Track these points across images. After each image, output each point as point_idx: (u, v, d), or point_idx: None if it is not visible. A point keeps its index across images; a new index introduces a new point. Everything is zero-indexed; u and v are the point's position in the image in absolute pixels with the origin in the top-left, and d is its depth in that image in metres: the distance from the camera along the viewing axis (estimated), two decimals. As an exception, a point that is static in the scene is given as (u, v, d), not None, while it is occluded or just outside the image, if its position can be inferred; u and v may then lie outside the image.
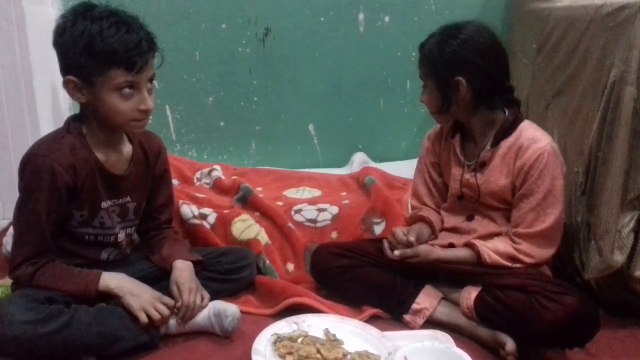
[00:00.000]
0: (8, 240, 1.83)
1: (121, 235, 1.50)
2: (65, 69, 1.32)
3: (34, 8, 2.16)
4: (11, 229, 1.83)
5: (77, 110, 2.42)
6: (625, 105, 1.43)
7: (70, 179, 1.33)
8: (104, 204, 1.43)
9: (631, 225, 1.48)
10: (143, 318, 1.34)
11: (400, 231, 1.54)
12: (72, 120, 1.41)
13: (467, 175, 1.55)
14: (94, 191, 1.40)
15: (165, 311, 1.38)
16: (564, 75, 1.74)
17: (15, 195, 2.21)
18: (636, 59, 1.41)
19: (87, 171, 1.37)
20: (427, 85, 1.50)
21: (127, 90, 1.30)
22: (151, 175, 1.54)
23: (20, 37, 2.13)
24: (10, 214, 2.20)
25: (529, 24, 2.08)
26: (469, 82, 1.43)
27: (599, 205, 1.50)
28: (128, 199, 1.48)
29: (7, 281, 1.59)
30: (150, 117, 1.39)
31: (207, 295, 1.47)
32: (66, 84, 1.31)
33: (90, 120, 1.39)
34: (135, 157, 1.47)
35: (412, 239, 1.50)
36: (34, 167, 1.31)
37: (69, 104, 2.37)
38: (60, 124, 2.32)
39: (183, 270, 1.48)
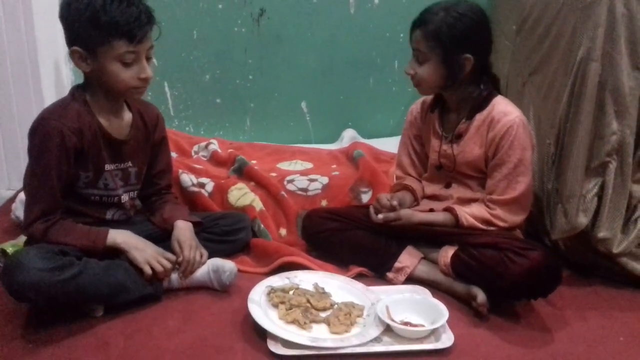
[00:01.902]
0: (17, 206, 1.93)
1: (124, 197, 1.60)
2: (70, 40, 1.41)
3: (39, -14, 2.25)
4: (19, 196, 1.94)
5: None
6: (591, 80, 1.55)
7: (77, 141, 1.44)
8: (107, 167, 1.53)
9: (595, 190, 1.60)
10: (147, 270, 1.46)
11: (384, 197, 1.65)
12: (77, 88, 1.51)
13: (444, 147, 1.66)
14: (98, 154, 1.50)
15: (168, 264, 1.50)
16: (539, 54, 1.85)
17: (20, 166, 2.33)
18: (601, 37, 1.53)
19: (91, 135, 1.47)
20: (430, 59, 1.54)
21: (127, 60, 1.40)
22: (150, 141, 1.64)
23: (25, 13, 2.20)
24: (16, 184, 2.32)
25: (509, 7, 2.17)
26: (475, 59, 1.53)
27: (566, 171, 1.62)
28: (130, 164, 1.58)
29: (19, 241, 1.71)
30: (149, 92, 1.50)
31: (205, 253, 1.59)
32: (72, 54, 1.41)
33: (93, 88, 1.48)
34: (135, 124, 1.57)
35: (395, 203, 1.62)
36: (44, 131, 1.41)
37: (71, 78, 2.46)
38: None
39: (184, 229, 1.60)
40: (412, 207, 1.73)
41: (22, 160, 2.33)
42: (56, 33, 2.38)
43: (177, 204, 1.74)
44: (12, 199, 2.10)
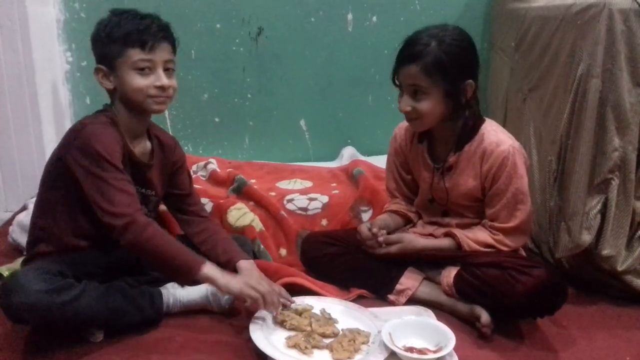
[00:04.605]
0: (14, 230, 1.91)
1: None
2: (96, 61, 1.47)
3: (36, 8, 2.25)
4: (17, 219, 1.92)
5: (77, 107, 2.54)
6: (592, 96, 1.55)
7: (121, 144, 1.44)
8: None
9: (598, 207, 1.59)
10: (249, 302, 1.42)
11: (364, 227, 1.61)
12: (106, 107, 1.50)
13: (436, 179, 1.62)
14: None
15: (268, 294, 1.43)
16: (539, 70, 1.85)
17: (18, 187, 2.32)
18: (601, 54, 1.53)
19: (122, 153, 1.45)
20: (431, 93, 1.46)
21: (142, 66, 1.43)
22: (169, 168, 1.63)
23: (23, 36, 2.21)
24: (13, 206, 2.31)
25: (507, 23, 2.18)
26: (475, 82, 1.48)
27: (568, 188, 1.61)
28: (152, 192, 1.58)
29: (16, 264, 1.69)
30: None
31: (281, 289, 1.52)
32: (96, 73, 1.46)
33: (119, 108, 1.48)
34: (155, 149, 1.58)
35: (375, 230, 1.58)
36: (96, 132, 1.39)
37: (69, 99, 2.46)
38: (61, 119, 2.44)
39: (249, 270, 1.51)
40: (408, 229, 1.71)
41: (20, 182, 2.32)
42: (54, 54, 2.39)
43: (226, 237, 1.66)
44: (9, 222, 2.07)
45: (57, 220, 1.46)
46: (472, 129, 1.54)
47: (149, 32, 1.43)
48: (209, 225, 1.68)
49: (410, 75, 1.47)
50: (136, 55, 1.42)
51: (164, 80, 1.45)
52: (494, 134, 1.53)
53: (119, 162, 1.40)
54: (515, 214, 1.52)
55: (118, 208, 1.36)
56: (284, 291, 1.51)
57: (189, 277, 1.41)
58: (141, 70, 1.43)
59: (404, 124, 1.69)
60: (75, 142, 1.40)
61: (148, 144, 1.57)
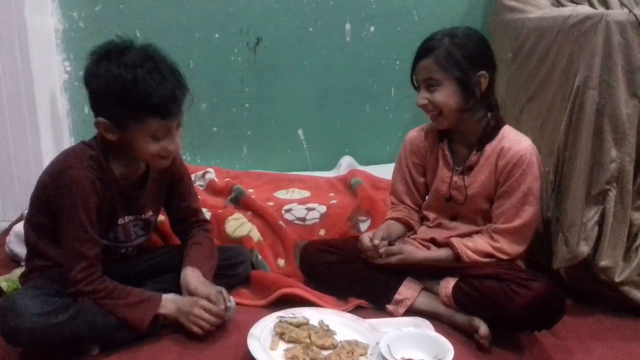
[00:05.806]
0: (12, 240, 1.90)
1: (137, 241, 1.56)
2: (97, 111, 1.34)
3: (35, 18, 2.24)
4: (14, 229, 1.92)
5: (75, 116, 2.53)
6: (589, 108, 1.55)
7: (100, 190, 1.38)
8: (121, 220, 1.49)
9: (595, 218, 1.59)
10: (199, 332, 1.44)
11: (366, 237, 1.62)
12: (93, 140, 1.43)
13: (455, 178, 1.63)
14: (113, 208, 1.44)
15: (211, 319, 1.45)
16: (536, 81, 1.86)
17: (15, 197, 2.31)
18: (598, 65, 1.53)
19: (108, 188, 1.41)
20: (444, 84, 1.51)
21: (160, 135, 1.35)
22: (166, 183, 1.59)
23: (21, 45, 2.20)
24: (11, 216, 2.30)
25: (505, 34, 2.19)
26: (489, 75, 1.53)
27: (566, 199, 1.61)
28: (150, 213, 1.55)
29: (14, 275, 1.68)
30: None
31: (217, 295, 1.48)
32: (97, 125, 1.35)
33: (112, 146, 1.40)
34: (150, 172, 1.52)
35: (376, 242, 1.59)
36: (76, 180, 1.33)
37: (67, 109, 2.46)
38: (59, 128, 2.44)
39: (188, 275, 1.52)
40: (409, 236, 1.71)
41: (17, 191, 2.32)
42: (52, 63, 2.39)
43: (200, 244, 1.63)
44: (6, 231, 2.06)
45: (48, 241, 1.44)
46: (493, 129, 1.58)
47: (173, 101, 1.31)
48: (197, 237, 1.65)
49: (424, 69, 1.54)
50: (155, 125, 1.32)
51: (178, 145, 1.39)
52: (514, 135, 1.57)
53: (91, 216, 1.35)
54: (521, 214, 1.52)
55: (71, 273, 1.35)
56: (224, 292, 1.49)
57: (145, 321, 1.40)
58: (156, 137, 1.34)
59: (418, 129, 1.74)
60: (57, 183, 1.35)
61: (142, 168, 1.51)
